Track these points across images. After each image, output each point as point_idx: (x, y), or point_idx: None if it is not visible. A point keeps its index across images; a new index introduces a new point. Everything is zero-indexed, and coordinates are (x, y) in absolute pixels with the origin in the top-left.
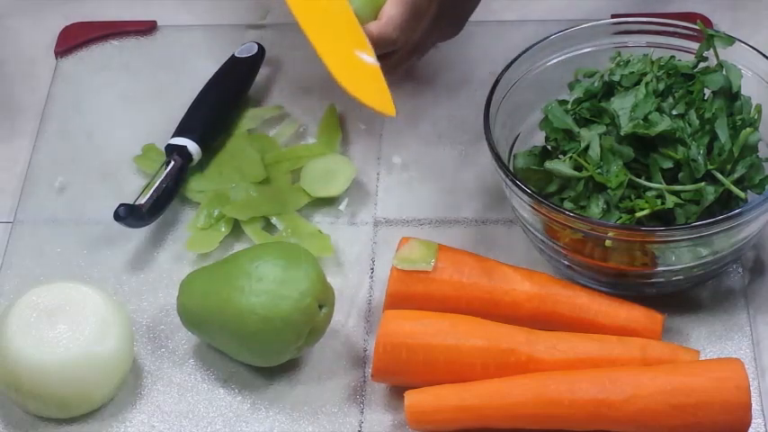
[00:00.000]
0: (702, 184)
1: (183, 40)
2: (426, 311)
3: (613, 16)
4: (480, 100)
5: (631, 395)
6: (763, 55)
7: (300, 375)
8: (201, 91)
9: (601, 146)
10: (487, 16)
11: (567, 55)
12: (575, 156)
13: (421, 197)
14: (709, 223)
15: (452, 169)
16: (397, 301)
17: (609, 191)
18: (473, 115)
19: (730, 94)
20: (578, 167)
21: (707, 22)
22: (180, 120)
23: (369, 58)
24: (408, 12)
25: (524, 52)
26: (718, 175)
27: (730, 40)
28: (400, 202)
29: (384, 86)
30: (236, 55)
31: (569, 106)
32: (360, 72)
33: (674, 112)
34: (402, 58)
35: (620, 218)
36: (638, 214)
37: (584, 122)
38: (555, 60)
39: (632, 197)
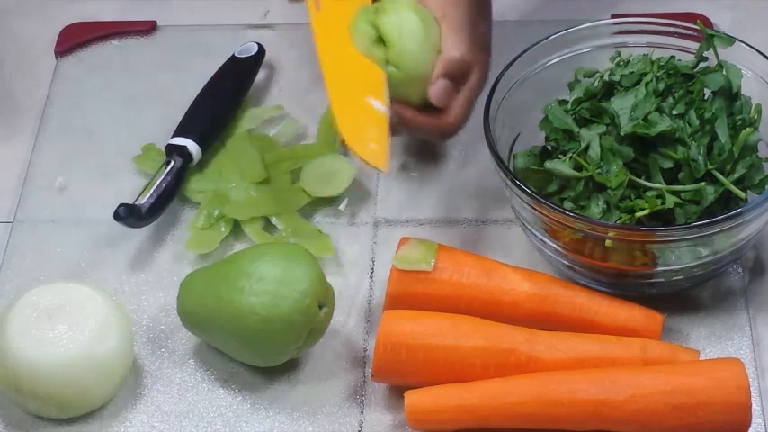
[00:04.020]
0: (702, 184)
1: (183, 40)
2: (426, 311)
3: (613, 16)
4: (480, 100)
5: (631, 395)
6: (763, 55)
7: (300, 375)
8: (201, 91)
9: (601, 146)
10: None
11: (567, 55)
12: (575, 156)
13: (421, 197)
14: (709, 223)
15: (452, 169)
16: (397, 301)
17: (609, 191)
18: (473, 115)
19: (730, 94)
20: (578, 167)
21: (707, 22)
22: (180, 120)
23: (380, 105)
24: (461, 31)
25: (524, 52)
26: (718, 175)
27: (730, 40)
28: (400, 202)
29: (384, 137)
30: (236, 55)
31: (569, 106)
32: (364, 119)
33: (674, 112)
34: (478, 82)
35: (621, 218)
36: (638, 214)
37: (585, 122)
38: (555, 60)
39: (632, 197)
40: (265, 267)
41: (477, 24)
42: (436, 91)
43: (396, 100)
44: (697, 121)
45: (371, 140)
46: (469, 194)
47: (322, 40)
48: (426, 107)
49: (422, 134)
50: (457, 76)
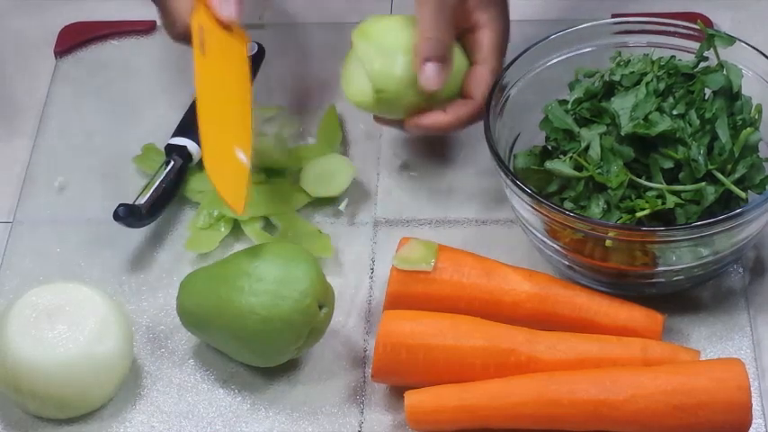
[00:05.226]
0: (703, 184)
1: None
2: (426, 311)
3: (613, 16)
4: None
5: (631, 395)
6: (764, 55)
7: (300, 375)
8: None
9: (601, 146)
10: None
11: (567, 55)
12: (575, 156)
13: (421, 197)
14: (709, 223)
15: (452, 169)
16: (397, 301)
17: (609, 191)
18: None
19: (731, 94)
20: (578, 167)
21: (707, 21)
22: (180, 120)
23: (243, 157)
24: (431, 10)
25: (524, 52)
26: (719, 175)
27: (731, 39)
28: (400, 202)
29: (243, 184)
30: None
31: (569, 106)
32: (230, 168)
33: (675, 112)
34: (494, 45)
35: (621, 218)
36: (639, 214)
37: (585, 122)
38: (555, 60)
39: (633, 197)
40: (265, 267)
41: None
42: (426, 78)
43: (411, 112)
44: (697, 121)
45: (233, 184)
46: (469, 194)
47: (201, 85)
48: (432, 102)
49: (461, 127)
50: (439, 55)
